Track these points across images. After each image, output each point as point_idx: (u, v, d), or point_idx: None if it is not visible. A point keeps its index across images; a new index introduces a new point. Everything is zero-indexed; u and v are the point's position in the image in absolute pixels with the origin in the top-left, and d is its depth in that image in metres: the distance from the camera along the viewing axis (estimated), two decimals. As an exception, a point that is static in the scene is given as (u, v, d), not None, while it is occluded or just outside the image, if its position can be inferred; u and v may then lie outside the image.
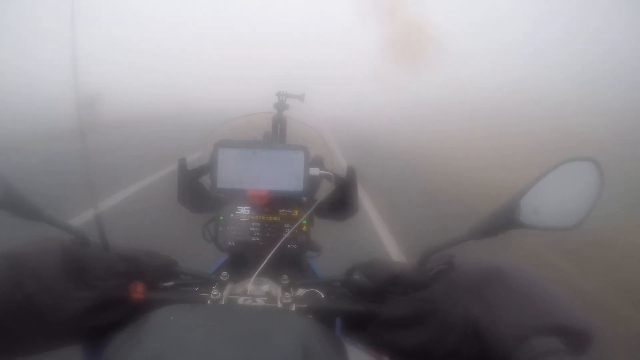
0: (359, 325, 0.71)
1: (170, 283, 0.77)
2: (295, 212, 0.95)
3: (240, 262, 0.95)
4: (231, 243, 0.94)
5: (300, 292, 0.76)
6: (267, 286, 0.75)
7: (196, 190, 1.01)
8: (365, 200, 5.57)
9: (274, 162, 0.94)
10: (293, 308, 0.70)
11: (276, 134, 1.05)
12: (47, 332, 0.63)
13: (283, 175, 0.94)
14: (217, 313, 0.61)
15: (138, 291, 0.70)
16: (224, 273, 0.75)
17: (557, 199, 0.62)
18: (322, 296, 0.76)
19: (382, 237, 4.45)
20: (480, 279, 0.62)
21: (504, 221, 0.64)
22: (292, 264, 0.99)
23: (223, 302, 0.69)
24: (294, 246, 0.94)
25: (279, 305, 0.69)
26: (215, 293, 0.70)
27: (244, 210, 0.94)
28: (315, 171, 0.95)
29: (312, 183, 0.97)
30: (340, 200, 1.01)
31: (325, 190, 1.01)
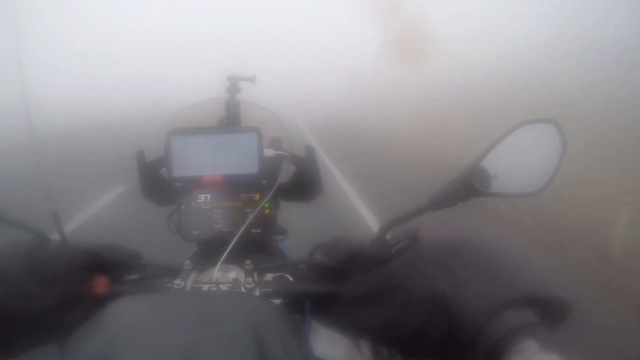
0: (326, 306, 0.69)
1: (135, 276, 0.76)
2: (257, 196, 0.95)
3: (208, 250, 0.94)
4: (195, 232, 0.94)
5: (269, 276, 0.76)
6: (234, 273, 0.75)
7: (158, 182, 0.99)
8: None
9: (228, 146, 0.93)
10: (257, 292, 0.69)
11: (231, 118, 1.05)
12: (19, 334, 0.63)
13: (237, 158, 0.93)
14: (173, 300, 0.59)
15: (101, 285, 0.70)
16: (187, 262, 0.74)
17: (518, 164, 0.60)
18: (291, 279, 0.76)
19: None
20: (446, 251, 0.60)
21: (463, 190, 0.61)
22: (259, 248, 0.98)
23: (187, 289, 0.69)
24: (258, 230, 0.94)
25: (242, 290, 0.69)
26: (178, 282, 0.69)
27: (204, 198, 0.94)
28: (269, 152, 0.95)
29: (271, 165, 0.97)
30: (302, 181, 1.00)
31: (287, 173, 1.01)
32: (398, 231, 0.67)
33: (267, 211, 0.95)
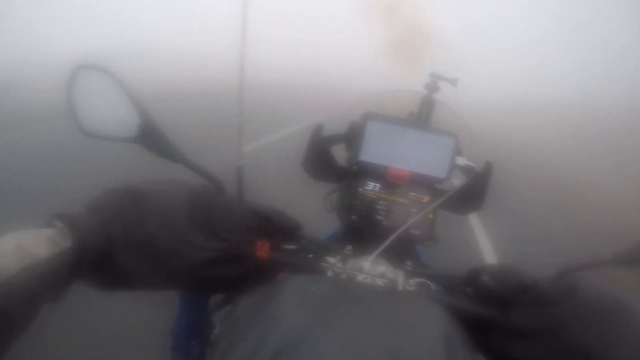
0: (480, 329, 0.67)
1: (292, 247, 0.76)
2: (425, 198, 0.90)
3: (357, 237, 0.92)
4: (354, 217, 0.92)
5: (415, 280, 0.72)
6: (384, 268, 0.72)
7: (324, 158, 1.00)
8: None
9: (422, 143, 0.91)
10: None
11: (422, 115, 1.00)
12: (163, 273, 0.63)
13: (429, 158, 0.90)
14: (337, 288, 0.59)
15: (264, 250, 0.70)
16: (349, 247, 0.73)
17: None
18: (433, 288, 0.73)
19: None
20: (605, 308, 0.60)
21: None
22: (408, 250, 0.96)
23: (344, 276, 0.68)
24: (417, 232, 0.90)
25: (400, 288, 0.68)
26: (339, 266, 0.68)
27: (372, 186, 0.91)
28: (461, 161, 0.91)
29: (452, 172, 0.92)
30: (471, 194, 0.95)
31: (456, 181, 0.96)
32: (573, 274, 0.65)
33: (430, 215, 0.91)
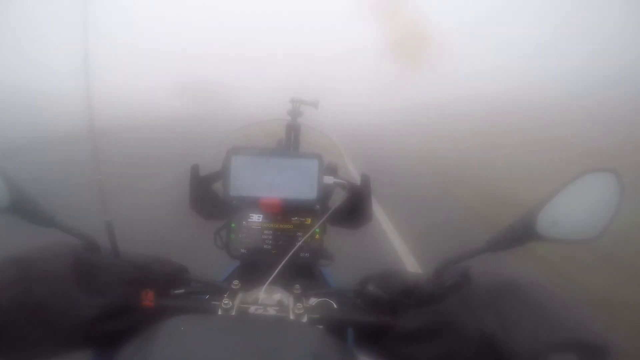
0: (372, 336, 0.69)
1: (181, 291, 0.76)
2: (308, 220, 0.93)
3: (252, 269, 0.93)
4: (243, 250, 0.93)
5: (313, 301, 0.75)
6: (279, 295, 0.74)
7: (208, 196, 1.00)
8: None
9: (288, 169, 0.93)
10: (305, 318, 0.69)
11: (290, 141, 1.04)
12: (56, 337, 0.62)
13: (296, 183, 0.93)
14: (228, 324, 0.60)
15: (149, 299, 0.69)
16: (235, 281, 0.73)
17: (576, 211, 0.60)
18: (335, 306, 0.75)
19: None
20: (496, 291, 0.61)
21: (522, 233, 0.62)
22: (304, 272, 0.98)
23: (234, 311, 0.68)
24: (307, 255, 0.92)
25: (291, 315, 0.68)
26: (226, 302, 0.68)
27: (256, 218, 0.93)
28: (329, 179, 0.94)
29: (326, 191, 0.96)
30: (354, 209, 0.99)
31: (339, 198, 1.00)
32: (450, 269, 0.67)
33: (317, 236, 0.93)
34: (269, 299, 0.73)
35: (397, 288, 0.69)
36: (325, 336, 0.56)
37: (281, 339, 0.53)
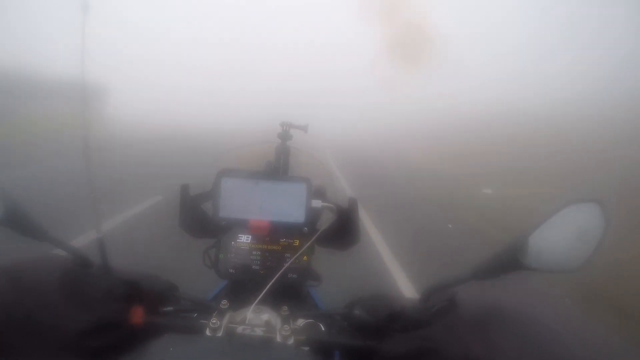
0: None
1: (170, 308, 0.77)
2: (297, 242, 0.95)
3: (240, 289, 0.95)
4: (231, 270, 0.94)
5: (300, 322, 0.75)
6: (267, 315, 0.74)
7: (198, 216, 1.01)
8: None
9: (276, 193, 0.95)
10: (292, 340, 0.69)
11: (279, 164, 1.07)
12: (44, 349, 0.62)
13: (285, 206, 0.95)
14: (217, 345, 0.61)
15: (137, 315, 0.70)
16: (224, 301, 0.74)
17: (561, 241, 0.61)
18: (322, 328, 0.76)
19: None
20: (483, 317, 0.61)
21: (508, 262, 0.62)
22: (292, 293, 0.99)
23: (222, 331, 0.69)
24: (294, 276, 0.94)
25: (278, 336, 0.69)
26: (214, 322, 0.69)
27: (244, 239, 0.95)
28: (317, 203, 0.96)
29: (314, 213, 0.98)
30: (342, 231, 1.01)
31: (327, 220, 1.02)
32: (437, 294, 0.68)
33: (305, 257, 0.95)
34: (257, 319, 0.73)
35: (383, 312, 0.70)
36: (311, 359, 0.57)
37: None
